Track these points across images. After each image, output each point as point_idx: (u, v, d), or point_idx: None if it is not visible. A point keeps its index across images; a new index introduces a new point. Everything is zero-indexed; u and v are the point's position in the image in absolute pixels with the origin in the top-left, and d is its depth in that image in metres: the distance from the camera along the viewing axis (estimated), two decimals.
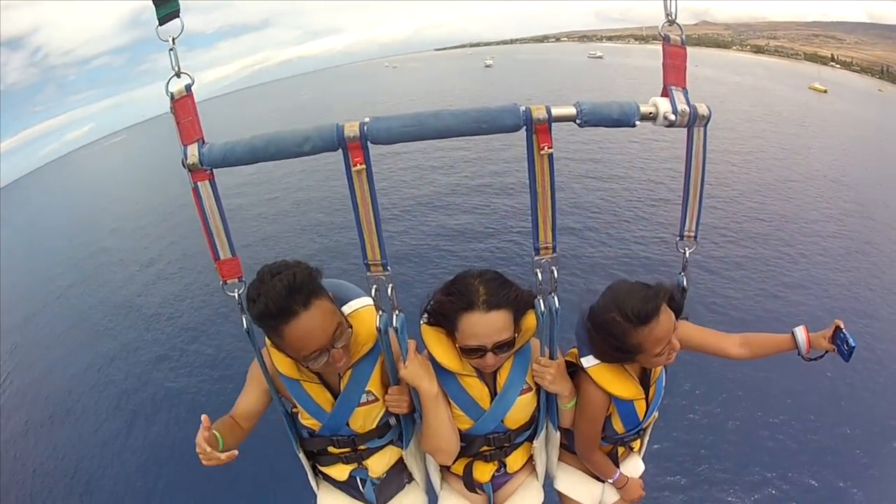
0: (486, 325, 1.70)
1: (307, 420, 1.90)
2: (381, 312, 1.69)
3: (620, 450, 2.22)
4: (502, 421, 1.95)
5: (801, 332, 1.96)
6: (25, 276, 15.58)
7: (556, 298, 1.72)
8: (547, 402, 1.99)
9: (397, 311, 1.70)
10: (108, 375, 8.54)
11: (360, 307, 1.85)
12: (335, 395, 1.86)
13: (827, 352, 1.94)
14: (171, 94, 1.48)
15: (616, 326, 1.72)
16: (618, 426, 2.05)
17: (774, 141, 27.77)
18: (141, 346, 9.25)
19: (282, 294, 1.49)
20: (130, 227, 18.46)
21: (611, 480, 2.18)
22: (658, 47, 1.64)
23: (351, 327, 1.72)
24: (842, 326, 1.89)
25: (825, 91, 61.35)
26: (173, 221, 16.73)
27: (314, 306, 1.55)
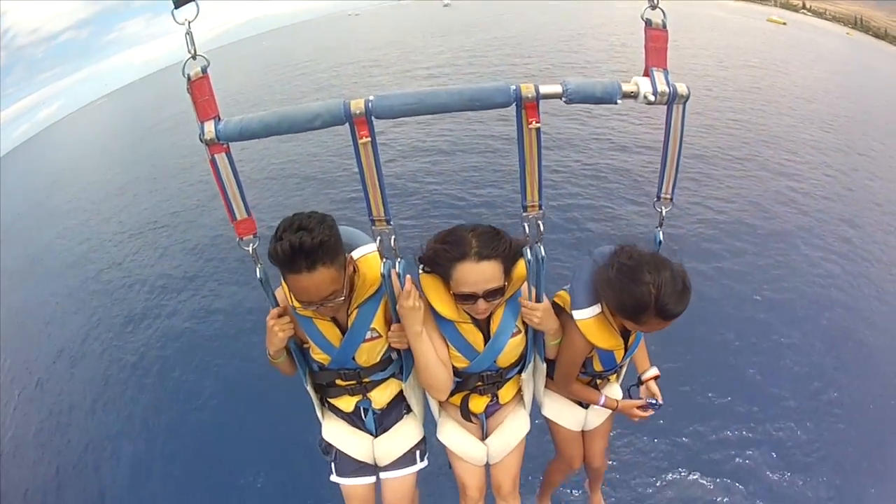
0: (477, 273, 1.88)
1: (318, 354, 2.10)
2: (384, 259, 1.88)
3: (599, 381, 2.46)
4: (495, 361, 2.16)
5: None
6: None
7: (542, 248, 1.88)
8: (535, 338, 2.20)
9: (399, 259, 1.90)
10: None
11: (369, 252, 2.05)
12: (343, 331, 2.05)
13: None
14: (188, 75, 1.58)
15: (642, 292, 1.81)
16: (597, 366, 2.30)
17: (720, 54, 27.98)
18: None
19: (287, 253, 1.67)
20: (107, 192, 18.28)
21: (601, 403, 2.40)
22: None
23: (351, 291, 1.94)
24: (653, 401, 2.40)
25: (784, 23, 58.25)
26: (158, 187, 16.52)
27: (317, 272, 1.72)
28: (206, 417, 6.35)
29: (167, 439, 6.23)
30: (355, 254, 2.03)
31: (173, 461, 5.88)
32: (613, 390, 2.55)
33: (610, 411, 2.59)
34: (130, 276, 10.73)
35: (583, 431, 2.70)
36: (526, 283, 2.07)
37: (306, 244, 1.66)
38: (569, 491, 4.18)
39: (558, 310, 2.20)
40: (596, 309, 2.07)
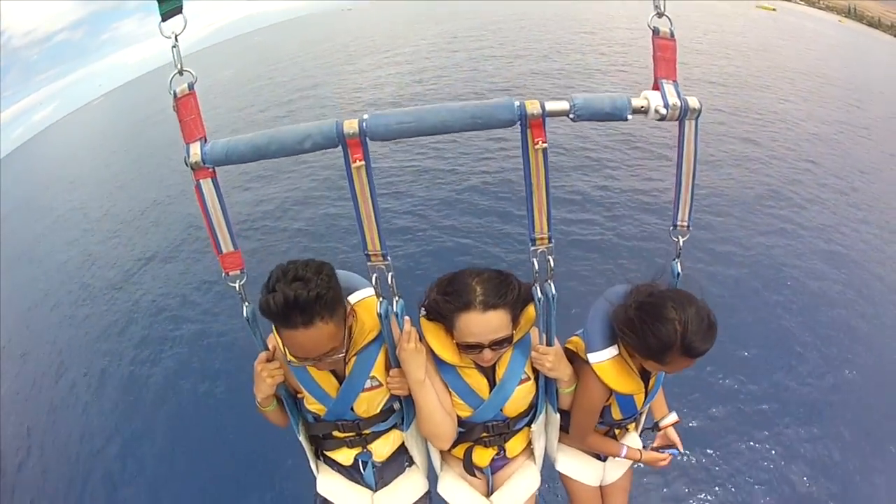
0: (483, 324, 1.75)
1: (312, 405, 1.96)
2: (381, 299, 1.75)
3: (617, 431, 2.30)
4: (501, 410, 2.00)
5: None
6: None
7: (552, 285, 1.74)
8: (546, 386, 2.04)
9: (397, 298, 1.76)
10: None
11: (367, 296, 1.92)
12: (340, 380, 1.91)
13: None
14: (174, 92, 1.49)
15: (667, 329, 1.70)
16: (616, 414, 2.13)
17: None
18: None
19: (281, 307, 1.53)
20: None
21: (622, 455, 2.24)
22: None
23: (348, 346, 1.79)
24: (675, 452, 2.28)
25: (773, 10, 56.81)
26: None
27: (315, 328, 1.57)
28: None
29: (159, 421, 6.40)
30: (352, 298, 1.90)
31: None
32: (632, 440, 2.36)
33: (630, 463, 2.43)
34: (123, 255, 11.35)
35: (601, 487, 2.50)
36: (535, 329, 1.93)
37: (301, 297, 1.52)
38: None
39: (571, 356, 2.05)
40: (613, 350, 1.92)
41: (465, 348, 1.82)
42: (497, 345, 1.79)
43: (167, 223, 12.27)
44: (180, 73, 1.51)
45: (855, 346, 6.32)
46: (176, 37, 1.49)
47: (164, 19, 1.47)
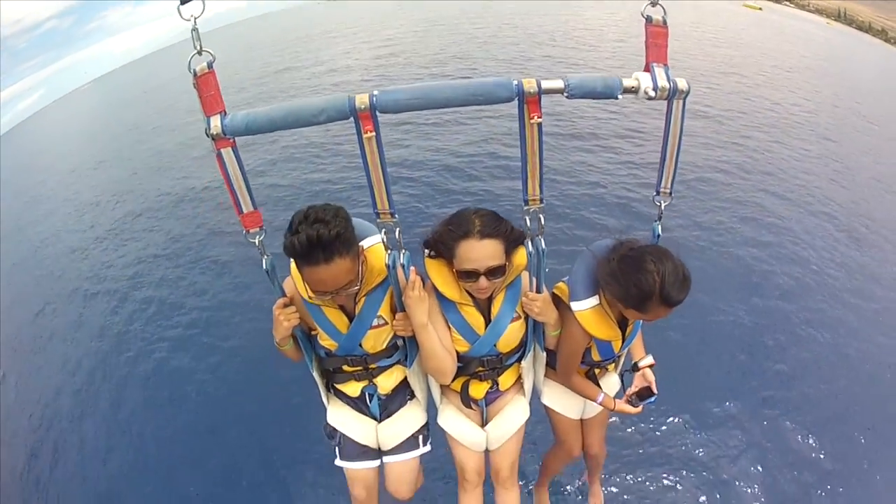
0: (480, 250, 1.96)
1: (325, 341, 2.17)
2: (389, 251, 1.93)
3: (597, 370, 2.50)
4: (495, 345, 2.23)
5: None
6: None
7: (542, 240, 1.94)
8: (534, 327, 2.27)
9: (404, 251, 1.97)
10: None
11: (377, 243, 2.09)
12: (351, 318, 2.13)
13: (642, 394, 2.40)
14: (194, 70, 1.58)
15: (647, 280, 1.85)
16: (595, 356, 2.34)
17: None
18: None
19: (305, 246, 1.71)
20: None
21: (598, 401, 2.42)
22: None
23: (361, 280, 1.96)
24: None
25: (759, 9, 58.40)
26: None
27: (334, 263, 1.77)
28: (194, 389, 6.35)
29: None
30: (364, 244, 2.07)
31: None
32: (611, 380, 2.60)
33: None
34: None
35: (581, 420, 2.75)
36: (526, 273, 2.14)
37: (324, 237, 1.71)
38: (567, 487, 4.17)
39: (557, 301, 2.26)
40: (594, 300, 2.12)
41: (464, 276, 2.02)
42: (492, 273, 2.00)
43: (151, 188, 12.59)
44: (199, 52, 1.58)
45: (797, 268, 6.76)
46: (195, 19, 1.56)
47: (182, 2, 1.54)
